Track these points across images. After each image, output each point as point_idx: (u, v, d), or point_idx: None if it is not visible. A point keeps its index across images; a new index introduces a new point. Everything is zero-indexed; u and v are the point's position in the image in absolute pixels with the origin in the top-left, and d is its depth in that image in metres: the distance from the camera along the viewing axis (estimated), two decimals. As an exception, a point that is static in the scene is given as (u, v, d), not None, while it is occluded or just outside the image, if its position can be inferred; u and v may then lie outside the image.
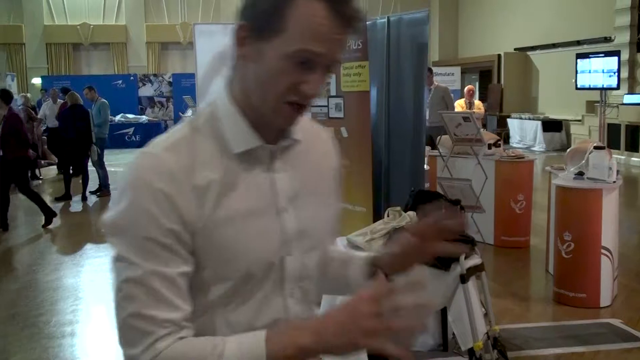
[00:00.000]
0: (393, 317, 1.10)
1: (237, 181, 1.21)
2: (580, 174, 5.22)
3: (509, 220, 6.91)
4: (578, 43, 16.77)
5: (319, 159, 1.40)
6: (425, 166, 5.24)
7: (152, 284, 1.12)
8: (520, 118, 18.65)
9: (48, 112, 14.16)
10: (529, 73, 19.94)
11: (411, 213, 3.72)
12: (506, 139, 18.03)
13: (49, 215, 8.56)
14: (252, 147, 1.23)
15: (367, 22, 4.45)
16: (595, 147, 5.22)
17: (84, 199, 10.57)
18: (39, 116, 14.21)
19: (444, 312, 3.86)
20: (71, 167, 10.81)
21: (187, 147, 1.19)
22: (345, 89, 4.53)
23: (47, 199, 9.89)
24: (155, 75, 21.62)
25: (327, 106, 4.69)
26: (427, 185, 5.71)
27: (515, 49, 20.06)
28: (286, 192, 1.27)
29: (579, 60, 14.36)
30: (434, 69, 15.26)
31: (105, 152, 11.33)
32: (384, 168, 4.73)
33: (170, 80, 20.77)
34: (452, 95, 10.85)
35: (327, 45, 1.16)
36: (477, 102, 12.67)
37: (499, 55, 20.60)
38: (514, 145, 17.50)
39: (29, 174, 10.76)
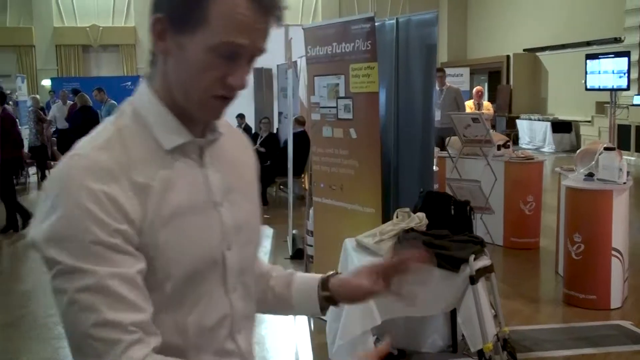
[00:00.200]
0: None
1: (173, 178, 1.17)
2: (590, 175, 5.20)
3: (519, 222, 6.89)
4: (588, 44, 16.69)
5: (239, 154, 1.38)
6: (434, 167, 5.23)
7: (111, 288, 1.04)
8: (530, 119, 18.59)
9: (58, 113, 14.23)
10: (538, 74, 19.87)
11: (420, 214, 3.71)
12: (515, 140, 17.98)
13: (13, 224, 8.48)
14: (183, 142, 1.19)
15: (376, 24, 4.44)
16: (606, 148, 5.20)
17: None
18: (48, 117, 14.27)
19: (453, 314, 3.85)
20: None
21: (119, 145, 1.13)
22: (354, 90, 4.52)
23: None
24: (164, 77, 21.64)
25: (336, 107, 4.69)
26: (436, 186, 5.69)
27: (524, 50, 20.00)
28: (219, 186, 1.24)
29: (588, 61, 14.30)
30: (437, 72, 15.24)
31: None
32: (392, 169, 4.72)
33: (180, 81, 20.79)
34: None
35: (251, 36, 1.13)
36: (485, 103, 12.64)
37: (508, 56, 20.54)
38: (523, 146, 17.43)
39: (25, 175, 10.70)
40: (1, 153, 8.06)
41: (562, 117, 17.83)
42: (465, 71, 19.19)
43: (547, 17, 18.96)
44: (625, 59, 13.35)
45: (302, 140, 8.38)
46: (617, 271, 5.04)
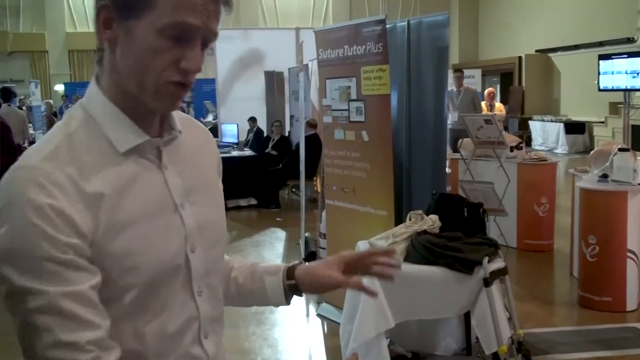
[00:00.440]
0: None
1: (129, 182, 1.12)
2: (604, 177, 5.17)
3: (532, 224, 6.86)
4: (600, 44, 16.58)
5: (200, 153, 1.32)
6: (446, 169, 5.21)
7: (63, 308, 1.00)
8: (542, 120, 18.49)
9: (71, 118, 14.28)
10: (551, 75, 19.76)
11: (433, 216, 3.70)
12: (528, 141, 17.89)
13: None
14: (138, 143, 1.14)
15: (387, 26, 4.43)
16: (620, 149, 5.16)
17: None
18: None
19: (467, 316, 3.83)
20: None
21: (68, 154, 1.08)
22: (366, 92, 4.52)
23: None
24: (176, 81, 21.75)
25: (348, 110, 4.69)
26: (448, 188, 5.67)
27: (536, 51, 19.91)
28: (179, 187, 1.20)
29: (601, 61, 14.19)
30: (455, 72, 15.21)
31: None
32: (405, 171, 4.71)
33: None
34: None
35: (201, 17, 1.08)
36: (498, 105, 12.60)
37: (520, 57, 20.45)
38: (536, 147, 17.34)
39: None
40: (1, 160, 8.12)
41: (575, 118, 17.73)
42: (477, 73, 19.12)
43: (559, 18, 18.86)
44: (639, 59, 13.25)
45: (313, 143, 8.38)
46: (632, 273, 5.00)
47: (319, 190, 7.32)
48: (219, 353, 1.29)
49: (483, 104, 11.76)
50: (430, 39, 4.53)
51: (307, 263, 1.43)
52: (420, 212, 3.76)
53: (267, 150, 10.98)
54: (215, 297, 1.28)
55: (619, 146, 5.30)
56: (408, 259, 3.49)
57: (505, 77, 21.75)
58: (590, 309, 5.06)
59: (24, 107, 16.38)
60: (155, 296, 1.14)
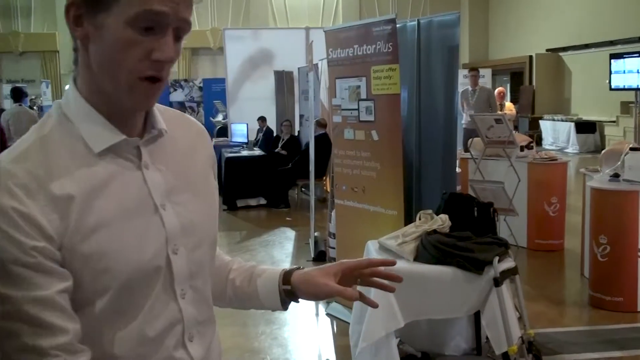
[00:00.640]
0: None
1: (104, 183, 1.10)
2: (615, 176, 5.14)
3: (543, 223, 6.83)
4: (612, 43, 16.49)
5: (190, 150, 1.28)
6: (456, 169, 5.20)
7: (29, 313, 0.99)
8: (553, 120, 18.41)
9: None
10: (561, 74, 19.68)
11: (443, 216, 3.69)
12: (538, 141, 17.82)
13: None
14: (114, 143, 1.11)
15: (397, 25, 4.43)
16: (631, 149, 5.14)
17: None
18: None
19: (477, 316, 3.82)
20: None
21: (39, 156, 1.06)
22: (376, 92, 4.51)
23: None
24: (185, 80, 21.80)
25: (358, 109, 4.68)
26: (458, 188, 5.66)
27: (547, 50, 19.83)
28: (160, 187, 1.17)
29: (612, 60, 14.15)
30: (464, 72, 15.17)
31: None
32: (415, 171, 4.70)
33: (201, 85, 20.91)
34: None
35: (171, 3, 1.05)
36: (508, 104, 12.57)
37: (531, 57, 20.37)
38: (547, 147, 17.27)
39: None
40: None
41: (586, 117, 17.64)
42: (487, 72, 19.04)
43: (569, 17, 18.78)
44: (651, 58, 13.19)
45: (323, 143, 8.38)
46: (644, 273, 4.97)
47: (329, 189, 7.32)
48: (209, 356, 1.26)
49: (495, 103, 11.72)
50: (440, 38, 4.52)
51: (304, 268, 1.40)
52: (430, 211, 3.76)
53: (276, 150, 10.99)
54: (202, 299, 1.25)
55: (631, 145, 5.28)
56: (418, 258, 3.49)
57: (516, 76, 21.68)
58: (601, 309, 5.04)
59: (35, 107, 16.48)
60: (133, 299, 1.12)
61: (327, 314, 5.15)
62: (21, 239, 1.00)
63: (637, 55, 13.65)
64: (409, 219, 4.34)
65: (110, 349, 1.11)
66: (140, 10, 1.03)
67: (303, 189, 10.25)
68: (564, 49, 19.13)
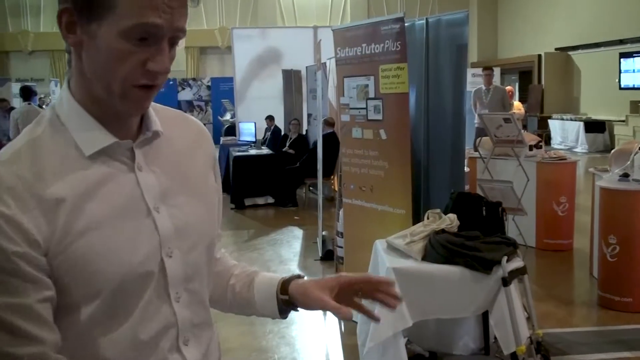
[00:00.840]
0: None
1: (95, 186, 1.08)
2: (625, 176, 5.12)
3: (552, 223, 6.81)
4: (621, 42, 16.41)
5: (188, 150, 1.26)
6: (465, 168, 5.19)
7: (7, 320, 0.99)
8: (562, 119, 18.33)
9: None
10: (571, 73, 19.59)
11: (451, 215, 3.68)
12: (547, 140, 17.76)
13: None
14: (105, 145, 1.10)
15: (406, 24, 4.42)
16: (641, 148, 5.11)
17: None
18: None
19: (485, 316, 3.81)
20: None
21: (28, 159, 1.05)
22: (384, 90, 4.50)
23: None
24: (194, 79, 21.89)
25: (366, 108, 4.67)
26: (467, 187, 5.64)
27: (556, 49, 19.75)
28: (154, 189, 1.15)
29: (622, 59, 14.09)
30: (473, 70, 15.13)
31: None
32: (423, 170, 4.69)
33: (209, 84, 21.01)
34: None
35: (165, 15, 1.03)
36: (516, 103, 12.53)
37: (540, 56, 20.30)
38: (556, 146, 17.21)
39: None
40: None
41: (595, 116, 17.56)
42: (496, 71, 18.96)
43: (579, 16, 18.70)
44: (661, 57, 13.11)
45: (331, 142, 8.38)
46: (653, 273, 4.95)
47: (337, 188, 7.31)
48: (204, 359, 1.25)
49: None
50: (449, 37, 4.50)
51: (303, 277, 1.38)
52: (438, 211, 3.75)
53: (284, 149, 11.00)
54: (198, 302, 1.23)
55: (640, 145, 5.25)
56: (426, 258, 3.48)
57: (525, 75, 21.61)
58: (610, 309, 5.01)
59: (44, 106, 16.55)
60: (124, 303, 1.11)
61: (335, 313, 5.14)
62: (3, 244, 0.99)
63: (647, 54, 13.58)
64: (417, 218, 4.33)
65: (103, 352, 1.11)
66: (134, 23, 1.02)
67: (311, 188, 10.25)
68: (573, 48, 19.05)
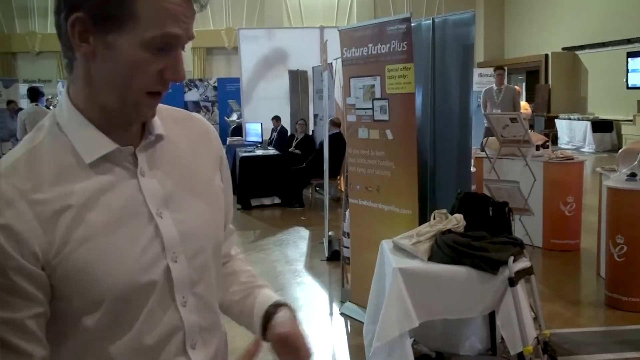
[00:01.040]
0: None
1: (96, 194, 1.07)
2: (632, 175, 5.10)
3: (559, 223, 6.79)
4: (629, 41, 16.35)
5: (193, 151, 1.25)
6: (471, 168, 5.18)
7: None
8: (569, 119, 18.28)
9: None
10: (578, 73, 19.53)
11: (458, 216, 3.67)
12: (554, 140, 17.70)
13: None
14: (106, 152, 1.10)
15: (412, 24, 4.41)
16: (649, 148, 5.09)
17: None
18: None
19: (492, 316, 3.80)
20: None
21: (27, 168, 1.05)
22: (390, 91, 4.50)
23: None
24: (200, 80, 21.91)
25: (372, 109, 4.67)
26: (473, 187, 5.63)
27: (563, 49, 19.69)
28: (157, 194, 1.14)
29: (630, 59, 14.03)
30: (479, 70, 15.10)
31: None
32: (429, 170, 4.69)
33: (216, 84, 21.01)
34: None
35: (184, 25, 1.06)
36: (523, 103, 12.48)
37: (547, 55, 20.24)
38: (563, 146, 17.16)
39: None
40: None
41: (603, 116, 17.50)
42: (503, 71, 18.96)
43: (586, 15, 18.63)
44: (668, 56, 13.05)
45: (337, 142, 8.38)
46: (661, 273, 4.93)
47: (343, 189, 7.31)
48: None
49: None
50: (455, 37, 4.50)
51: (288, 307, 1.37)
52: (444, 211, 3.74)
53: (290, 149, 11.00)
54: (205, 305, 1.22)
55: (648, 145, 5.23)
56: (432, 258, 3.48)
57: (532, 75, 21.56)
58: (618, 309, 5.00)
59: (51, 107, 16.61)
60: (129, 310, 1.10)
61: (342, 314, 5.15)
62: None
63: (655, 53, 13.52)
64: (423, 218, 4.32)
65: (107, 358, 1.11)
66: (157, 34, 1.03)
67: (317, 188, 10.25)
68: (580, 48, 18.99)
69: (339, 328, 4.97)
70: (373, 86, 4.65)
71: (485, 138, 7.47)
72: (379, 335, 3.37)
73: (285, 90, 13.21)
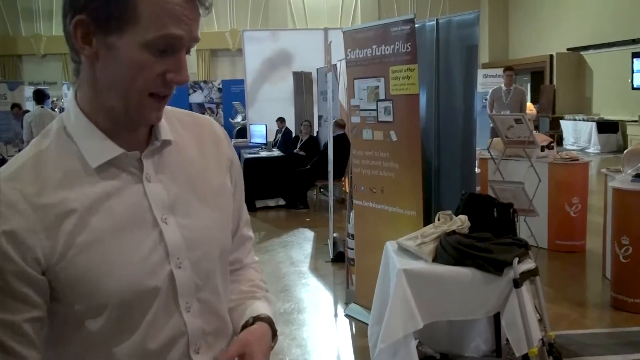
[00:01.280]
0: None
1: (100, 199, 1.07)
2: (638, 176, 5.08)
3: (564, 224, 6.77)
4: (634, 42, 16.30)
5: (201, 155, 1.25)
6: (476, 169, 5.17)
7: None
8: (574, 119, 18.23)
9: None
10: (583, 73, 19.48)
11: (462, 217, 3.67)
12: (559, 141, 17.66)
13: None
14: (112, 157, 1.10)
15: (416, 25, 4.41)
16: (654, 148, 5.07)
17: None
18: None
19: (497, 317, 3.80)
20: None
21: (32, 173, 1.05)
22: (394, 92, 4.50)
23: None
24: (205, 82, 21.94)
25: (376, 110, 4.67)
26: (478, 188, 5.62)
27: (568, 49, 19.64)
28: (162, 200, 1.13)
29: (635, 59, 13.99)
30: (484, 71, 15.08)
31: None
32: (433, 171, 4.68)
33: (220, 86, 21.04)
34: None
35: (186, 26, 1.05)
36: (528, 104, 12.45)
37: (551, 56, 20.19)
38: (568, 147, 17.12)
39: None
40: None
41: (608, 117, 17.45)
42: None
43: (590, 15, 18.59)
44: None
45: (342, 143, 8.37)
46: (667, 274, 4.91)
47: (347, 190, 7.31)
48: None
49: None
50: (459, 37, 4.49)
51: (261, 319, 1.32)
52: (449, 212, 3.74)
53: (295, 151, 11.01)
54: (210, 310, 1.22)
55: (653, 145, 5.21)
56: (437, 259, 3.47)
57: (536, 75, 21.50)
58: (623, 310, 4.98)
59: (56, 109, 16.67)
60: (131, 316, 1.10)
61: (346, 315, 5.14)
62: (0, 262, 1.00)
63: (660, 54, 13.47)
64: (427, 219, 4.32)
65: None
66: (158, 35, 1.03)
67: (322, 190, 10.25)
68: (585, 48, 18.94)
69: (343, 329, 4.96)
70: (377, 87, 4.65)
71: (491, 139, 7.46)
72: (383, 337, 3.36)
73: (290, 92, 13.22)
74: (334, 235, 7.05)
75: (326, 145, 8.56)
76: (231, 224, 1.31)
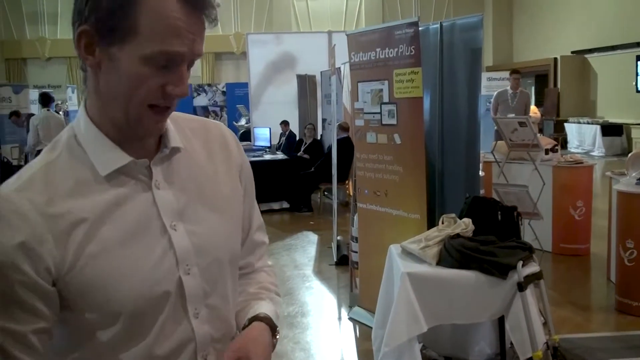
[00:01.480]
0: None
1: (110, 208, 1.08)
2: (642, 179, 5.07)
3: (568, 227, 6.76)
4: (638, 45, 16.28)
5: (210, 161, 1.25)
6: (480, 172, 5.17)
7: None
8: (579, 122, 18.21)
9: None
10: (587, 76, 19.45)
11: (466, 220, 3.66)
12: (564, 144, 17.64)
13: None
14: (121, 165, 1.10)
15: (420, 28, 4.41)
16: (659, 152, 5.06)
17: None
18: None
19: (501, 321, 3.78)
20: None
21: (42, 183, 1.06)
22: (398, 95, 4.50)
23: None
24: (209, 85, 21.97)
25: (380, 113, 4.67)
26: (482, 191, 5.62)
27: (572, 52, 19.62)
28: (171, 207, 1.14)
29: (639, 62, 13.94)
30: (488, 74, 15.07)
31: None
32: (437, 174, 4.68)
33: (224, 89, 21.07)
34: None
35: (188, 42, 1.04)
36: (532, 107, 12.44)
37: (556, 59, 20.17)
38: (572, 150, 17.10)
39: None
40: None
41: (613, 120, 17.42)
42: (512, 75, 18.89)
43: (595, 18, 18.57)
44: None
45: (346, 146, 8.38)
46: (672, 278, 4.89)
47: (351, 193, 7.31)
48: None
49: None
50: (463, 40, 4.49)
51: (261, 318, 1.30)
52: (453, 215, 3.73)
53: (299, 154, 11.01)
54: (219, 317, 1.22)
55: (658, 148, 5.20)
56: (441, 262, 3.47)
57: (541, 79, 21.48)
58: (628, 314, 4.96)
59: (60, 112, 16.71)
60: (141, 323, 1.11)
61: (350, 318, 5.14)
62: (9, 272, 1.00)
63: (665, 56, 13.45)
64: (431, 222, 4.31)
65: None
66: (157, 50, 1.03)
67: (326, 193, 10.25)
68: (590, 51, 18.92)
69: (347, 333, 4.96)
70: (381, 90, 4.65)
71: (495, 142, 7.45)
72: (387, 340, 3.36)
73: (294, 95, 13.24)
74: (338, 238, 7.04)
75: (330, 148, 8.56)
76: (240, 230, 1.30)
